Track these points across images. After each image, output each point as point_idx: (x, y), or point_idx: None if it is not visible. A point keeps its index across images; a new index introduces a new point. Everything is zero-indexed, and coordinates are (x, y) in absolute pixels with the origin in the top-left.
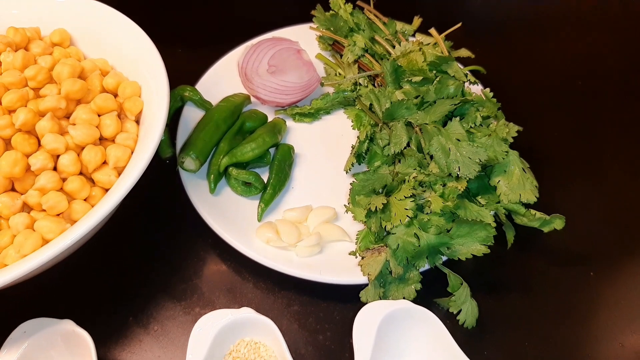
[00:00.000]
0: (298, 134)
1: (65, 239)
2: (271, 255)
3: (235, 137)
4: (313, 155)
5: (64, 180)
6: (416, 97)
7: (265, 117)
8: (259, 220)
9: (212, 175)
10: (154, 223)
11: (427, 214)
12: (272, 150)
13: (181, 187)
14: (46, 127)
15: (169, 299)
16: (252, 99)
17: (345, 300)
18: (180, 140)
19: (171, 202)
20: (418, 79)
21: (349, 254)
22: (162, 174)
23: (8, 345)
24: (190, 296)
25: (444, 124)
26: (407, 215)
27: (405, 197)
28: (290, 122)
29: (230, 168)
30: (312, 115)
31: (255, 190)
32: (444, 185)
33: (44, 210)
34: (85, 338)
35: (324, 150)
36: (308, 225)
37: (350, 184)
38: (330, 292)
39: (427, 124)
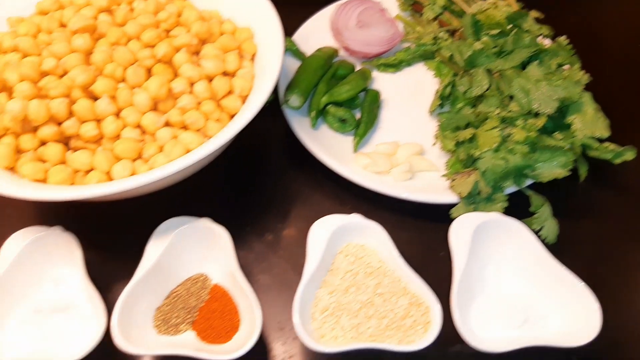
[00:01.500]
0: (382, 83)
1: (206, 147)
2: (369, 177)
3: (330, 81)
4: (397, 101)
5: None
6: (494, 48)
7: (354, 66)
8: (355, 151)
9: (314, 112)
10: (263, 154)
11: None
12: (360, 96)
13: (284, 124)
14: (182, 59)
15: (278, 215)
16: (340, 52)
17: (435, 220)
18: (281, 86)
19: (277, 138)
20: (495, 32)
21: (441, 176)
22: (266, 116)
23: (155, 236)
24: (296, 214)
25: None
26: (495, 142)
27: (492, 128)
28: (374, 73)
29: (329, 106)
30: (395, 66)
31: (349, 126)
32: (525, 121)
33: (183, 128)
34: (221, 232)
35: (407, 96)
36: (398, 157)
37: (437, 120)
38: (420, 212)
39: (506, 69)
